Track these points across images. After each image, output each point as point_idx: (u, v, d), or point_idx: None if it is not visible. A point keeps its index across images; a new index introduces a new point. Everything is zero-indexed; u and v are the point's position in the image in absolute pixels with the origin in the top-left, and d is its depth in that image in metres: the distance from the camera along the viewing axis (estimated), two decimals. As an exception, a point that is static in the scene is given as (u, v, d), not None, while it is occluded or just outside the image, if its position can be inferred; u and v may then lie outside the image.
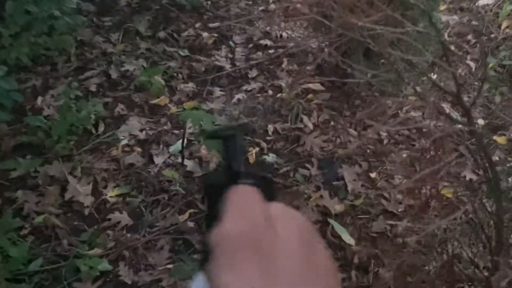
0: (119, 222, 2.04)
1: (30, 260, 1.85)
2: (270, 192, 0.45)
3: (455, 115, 2.29)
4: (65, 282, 1.80)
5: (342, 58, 2.24)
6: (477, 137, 0.96)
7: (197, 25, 3.23)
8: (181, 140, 2.28)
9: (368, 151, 2.39)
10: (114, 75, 2.83)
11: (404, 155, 2.38)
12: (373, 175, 2.27)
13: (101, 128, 2.49)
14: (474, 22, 3.21)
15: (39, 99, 2.62)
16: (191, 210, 2.09)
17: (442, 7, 3.19)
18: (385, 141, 2.42)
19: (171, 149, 2.39)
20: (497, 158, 2.36)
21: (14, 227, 1.94)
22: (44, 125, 2.34)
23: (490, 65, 2.83)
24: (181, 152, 2.28)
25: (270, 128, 2.51)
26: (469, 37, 3.10)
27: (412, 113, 2.47)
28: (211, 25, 3.22)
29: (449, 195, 2.17)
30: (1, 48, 2.64)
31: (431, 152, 1.99)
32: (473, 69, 2.87)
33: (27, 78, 2.75)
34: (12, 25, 2.63)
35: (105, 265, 1.86)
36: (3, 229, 1.85)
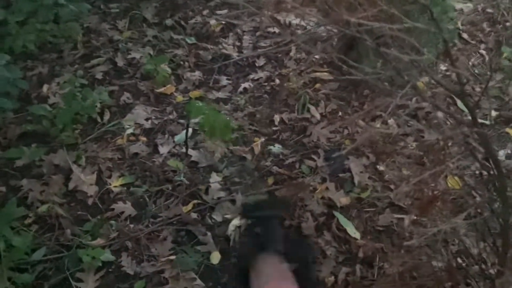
0: (122, 212, 2.04)
1: (33, 249, 1.86)
2: (310, 273, 0.44)
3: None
4: (67, 272, 1.80)
5: (347, 49, 2.18)
6: (482, 138, 0.91)
7: (205, 12, 3.18)
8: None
9: (376, 142, 2.34)
10: (120, 63, 2.81)
11: (413, 147, 2.32)
12: (380, 167, 2.23)
13: (107, 117, 2.48)
14: (489, 10, 3.12)
15: (45, 86, 2.61)
16: (195, 201, 2.07)
17: (456, -6, 3.11)
18: (394, 132, 2.37)
19: (176, 138, 2.37)
20: (509, 151, 2.30)
21: (18, 216, 1.94)
22: (49, 113, 2.33)
23: (505, 54, 2.75)
24: (185, 142, 2.25)
25: (277, 118, 2.47)
26: (484, 25, 3.02)
27: (421, 104, 2.42)
28: (218, 12, 3.18)
29: (456, 186, 2.12)
30: (7, 35, 2.63)
31: (440, 144, 1.93)
32: (487, 58, 2.79)
33: (33, 66, 2.74)
34: (18, 12, 2.62)
35: (107, 256, 1.85)
36: (7, 218, 1.85)
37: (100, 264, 1.83)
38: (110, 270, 1.85)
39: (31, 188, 2.09)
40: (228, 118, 2.25)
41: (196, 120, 2.27)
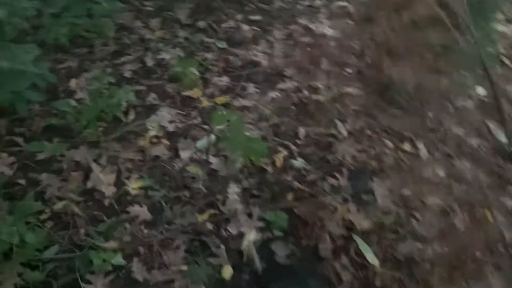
0: (138, 216, 2.01)
1: (46, 246, 1.84)
2: None
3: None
4: (77, 273, 1.78)
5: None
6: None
7: (238, 17, 3.14)
8: (208, 136, 2.22)
9: (403, 165, 2.26)
10: (149, 62, 2.79)
11: (442, 174, 2.23)
12: (406, 192, 2.14)
13: (131, 117, 2.45)
14: (533, 35, 2.99)
15: (73, 81, 2.61)
16: (212, 211, 2.03)
17: (500, 17, 2.98)
18: (423, 157, 2.28)
19: (198, 144, 2.33)
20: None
21: (35, 211, 1.93)
22: (73, 109, 2.32)
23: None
24: (207, 149, 2.22)
25: (302, 131, 2.41)
26: (526, 50, 2.89)
27: (454, 129, 2.32)
28: (252, 17, 3.13)
29: (487, 220, 2.04)
30: (40, 27, 2.65)
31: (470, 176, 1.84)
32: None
33: (64, 59, 2.74)
34: (53, 5, 2.63)
35: (118, 260, 1.82)
36: (24, 212, 1.85)
37: (111, 268, 1.80)
38: (120, 274, 1.81)
39: (49, 183, 2.08)
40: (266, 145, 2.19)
41: (221, 127, 2.24)
